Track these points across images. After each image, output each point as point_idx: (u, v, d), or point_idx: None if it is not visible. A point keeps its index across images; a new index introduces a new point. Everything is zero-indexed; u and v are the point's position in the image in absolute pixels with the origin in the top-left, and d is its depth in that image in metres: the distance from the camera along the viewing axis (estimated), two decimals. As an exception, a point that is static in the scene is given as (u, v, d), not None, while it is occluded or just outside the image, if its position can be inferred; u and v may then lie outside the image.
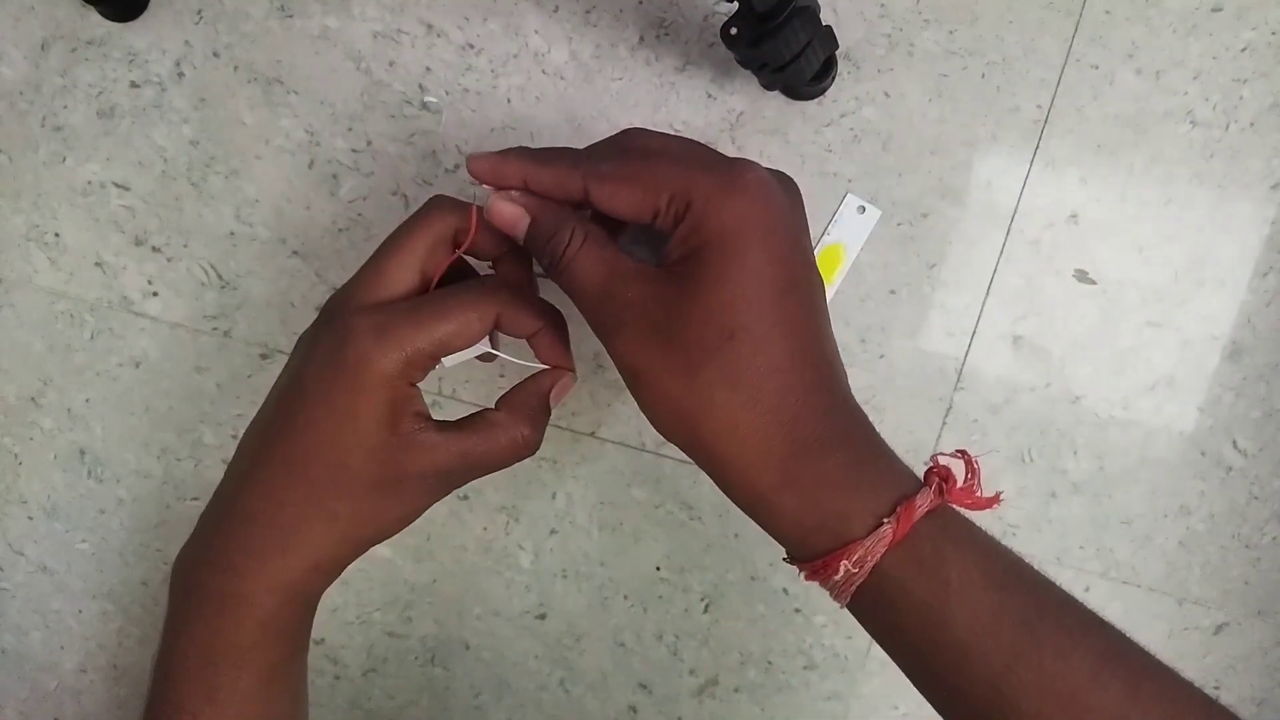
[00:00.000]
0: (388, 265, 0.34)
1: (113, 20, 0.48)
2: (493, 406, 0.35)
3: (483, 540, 0.50)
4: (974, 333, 0.47)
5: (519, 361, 0.36)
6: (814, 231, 0.47)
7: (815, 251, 0.46)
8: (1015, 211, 0.46)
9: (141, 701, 0.54)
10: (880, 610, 0.28)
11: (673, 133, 0.37)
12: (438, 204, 0.35)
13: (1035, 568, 0.30)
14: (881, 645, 0.30)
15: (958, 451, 0.30)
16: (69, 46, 0.48)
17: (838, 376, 0.30)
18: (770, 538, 0.30)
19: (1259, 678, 0.49)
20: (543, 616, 0.51)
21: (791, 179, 0.33)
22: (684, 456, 0.49)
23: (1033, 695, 0.26)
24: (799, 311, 0.29)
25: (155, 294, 0.50)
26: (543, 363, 0.36)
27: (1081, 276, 0.46)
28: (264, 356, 0.50)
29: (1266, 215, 0.45)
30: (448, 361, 0.34)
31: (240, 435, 0.50)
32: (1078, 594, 0.48)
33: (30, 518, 0.53)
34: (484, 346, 0.35)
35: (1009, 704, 0.27)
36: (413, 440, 0.32)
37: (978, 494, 0.29)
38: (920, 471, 0.30)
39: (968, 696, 0.27)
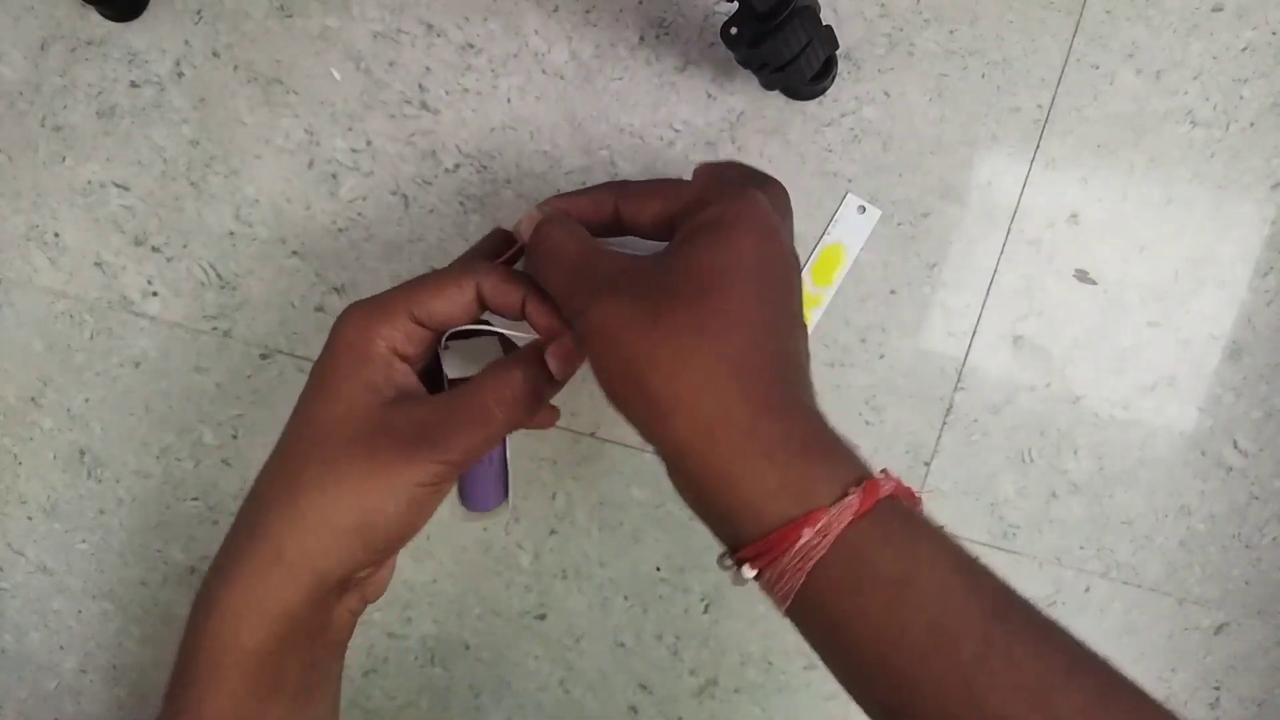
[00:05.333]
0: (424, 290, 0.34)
1: (112, 20, 0.48)
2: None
3: (483, 540, 0.50)
4: (974, 333, 0.47)
5: (513, 334, 0.34)
6: (814, 231, 0.47)
7: (815, 251, 0.47)
8: (1015, 211, 0.46)
9: (141, 701, 0.54)
10: (837, 597, 0.25)
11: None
12: (473, 270, 0.34)
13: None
14: (827, 649, 0.27)
15: (908, 486, 0.30)
16: (69, 46, 0.48)
17: (804, 369, 0.29)
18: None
19: (1259, 678, 0.49)
20: (543, 617, 0.51)
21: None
22: (684, 456, 0.49)
23: (1002, 689, 0.24)
24: (771, 287, 0.28)
25: (155, 294, 0.50)
26: (539, 331, 0.33)
27: (1082, 276, 0.46)
28: (264, 356, 0.50)
29: (1267, 215, 0.45)
30: (452, 371, 0.33)
31: (240, 435, 0.50)
32: (1078, 594, 0.48)
33: (30, 518, 0.53)
34: (492, 357, 0.34)
35: (976, 698, 0.24)
36: (392, 401, 0.31)
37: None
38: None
39: (930, 694, 0.25)
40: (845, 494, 0.25)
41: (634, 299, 0.27)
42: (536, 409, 0.32)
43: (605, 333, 0.28)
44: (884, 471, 0.27)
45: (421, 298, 0.32)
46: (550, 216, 0.32)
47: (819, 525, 0.24)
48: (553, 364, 0.32)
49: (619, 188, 0.33)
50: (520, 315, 0.33)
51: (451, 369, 0.35)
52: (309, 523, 0.29)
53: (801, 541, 0.25)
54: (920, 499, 0.28)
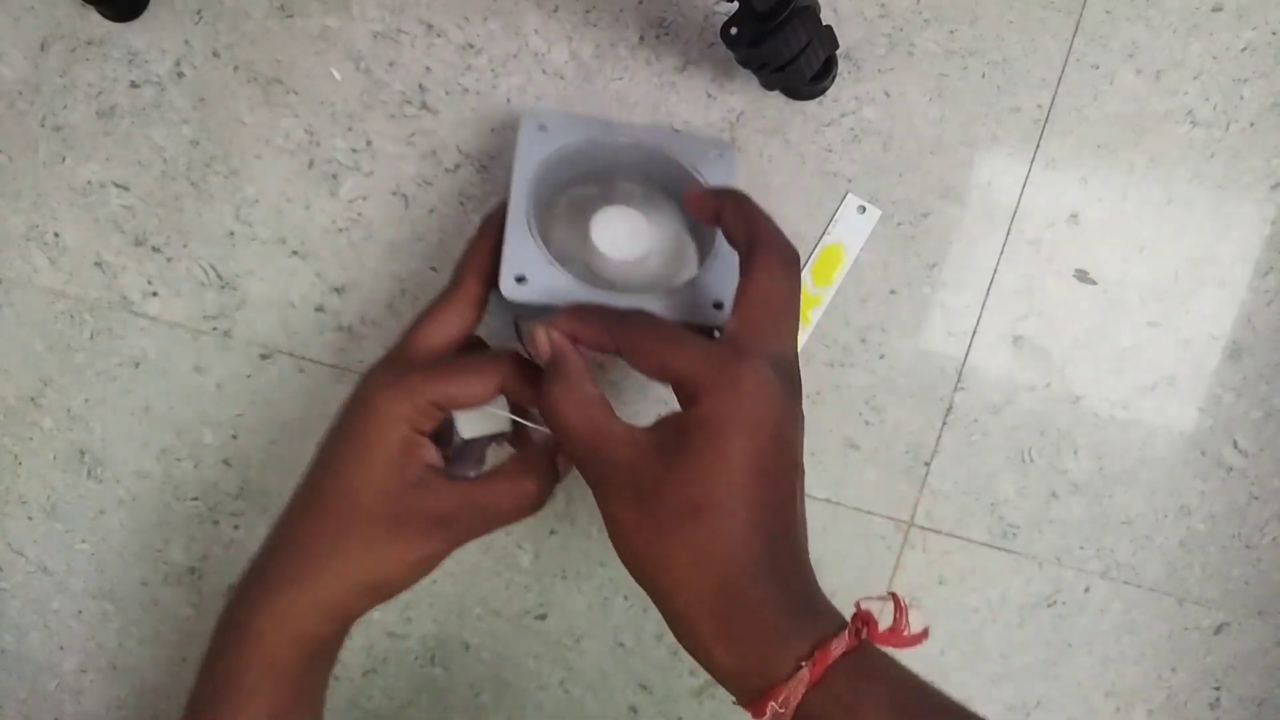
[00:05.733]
0: (428, 328, 0.39)
1: (112, 20, 0.48)
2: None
3: (483, 540, 0.50)
4: (974, 332, 0.47)
5: (534, 426, 0.39)
6: (814, 231, 0.47)
7: (815, 251, 0.47)
8: (1015, 211, 0.46)
9: (141, 701, 0.54)
10: None
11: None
12: (448, 299, 0.40)
13: (949, 697, 0.31)
14: None
15: (889, 594, 0.33)
16: (69, 46, 0.48)
17: (791, 543, 0.33)
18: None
19: (1259, 678, 0.49)
20: (543, 617, 0.51)
21: (795, 368, 0.35)
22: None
23: None
24: (765, 494, 0.32)
25: (155, 294, 0.50)
26: None
27: (1082, 276, 0.46)
28: (264, 356, 0.50)
29: (1266, 215, 0.45)
30: (465, 432, 0.38)
31: (240, 435, 0.50)
32: (1078, 594, 0.48)
33: (30, 518, 0.53)
34: (502, 426, 0.39)
35: None
36: (419, 482, 0.36)
37: (905, 633, 0.31)
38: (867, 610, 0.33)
39: None
40: (799, 668, 0.29)
41: (639, 508, 0.32)
42: (544, 504, 0.38)
43: (614, 526, 0.33)
44: (857, 606, 0.31)
45: (447, 389, 0.36)
46: (559, 368, 0.35)
47: (780, 699, 0.29)
48: (563, 468, 0.38)
49: (620, 327, 0.35)
50: (536, 407, 0.37)
51: (465, 428, 0.38)
52: (347, 581, 0.35)
53: (768, 714, 0.30)
54: (905, 608, 0.32)
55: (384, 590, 0.36)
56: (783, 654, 0.30)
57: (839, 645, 0.29)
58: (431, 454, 0.37)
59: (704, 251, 0.43)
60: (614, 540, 0.33)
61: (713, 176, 0.42)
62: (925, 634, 0.32)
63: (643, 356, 0.34)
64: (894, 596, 0.32)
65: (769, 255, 0.35)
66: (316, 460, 0.38)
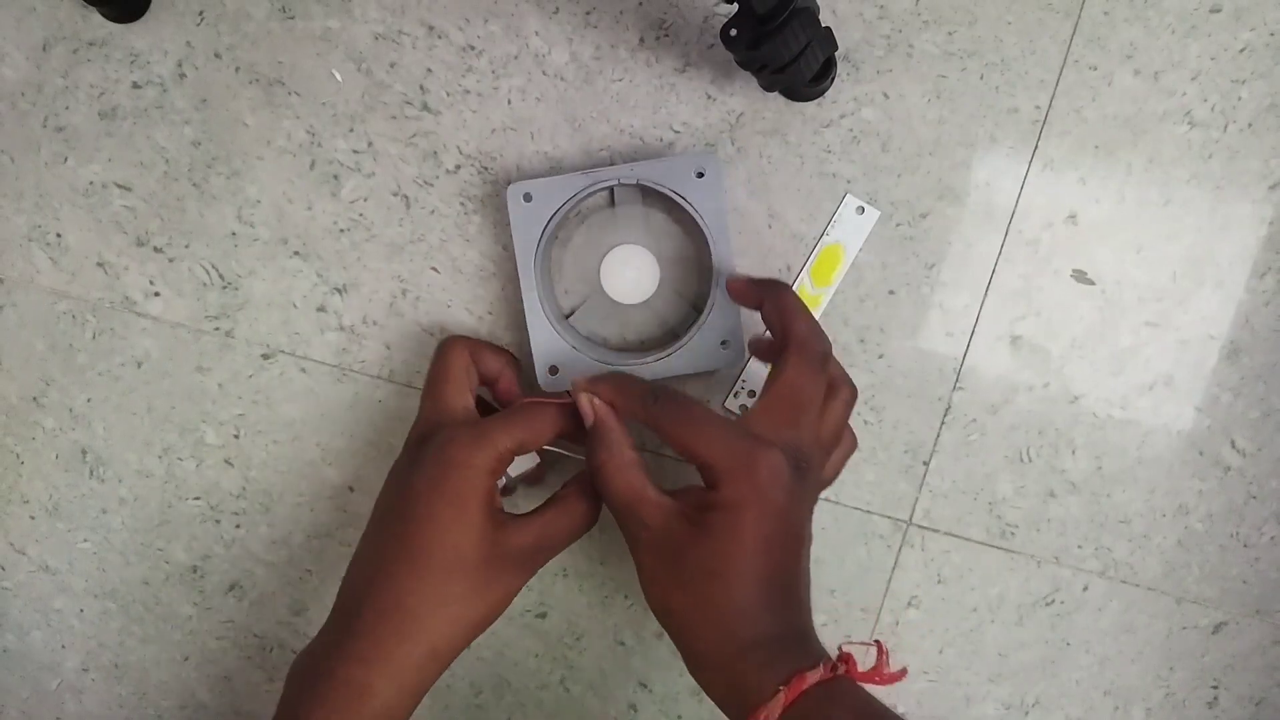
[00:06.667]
0: (446, 395, 0.42)
1: (114, 21, 0.48)
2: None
3: (483, 539, 0.50)
4: (973, 333, 0.47)
5: (575, 456, 0.43)
6: (813, 232, 0.47)
7: (814, 252, 0.47)
8: (1014, 212, 0.46)
9: (142, 700, 0.54)
10: None
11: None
12: (451, 342, 0.44)
13: None
14: None
15: (874, 640, 0.38)
16: (71, 47, 0.49)
17: (791, 599, 0.38)
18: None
19: (1257, 677, 0.49)
20: (543, 615, 0.51)
21: (809, 450, 0.39)
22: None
23: None
24: (771, 567, 0.37)
25: (157, 294, 0.50)
26: None
27: (1080, 277, 0.47)
28: (265, 356, 0.50)
29: (1264, 216, 0.46)
30: (513, 471, 0.42)
31: (242, 434, 0.50)
32: (1076, 593, 0.49)
33: (32, 517, 0.53)
34: (533, 462, 0.44)
35: None
36: (505, 523, 0.40)
37: (885, 671, 0.36)
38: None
39: None
40: (777, 691, 0.34)
41: (664, 563, 0.38)
42: (598, 519, 0.42)
43: (642, 571, 0.39)
44: (839, 649, 0.36)
45: (522, 435, 0.40)
46: (603, 436, 0.40)
47: (761, 717, 0.34)
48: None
49: (654, 404, 0.39)
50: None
51: (513, 468, 0.43)
52: (456, 625, 0.39)
53: None
54: (886, 652, 0.37)
55: (484, 626, 0.40)
56: (767, 682, 0.34)
57: (814, 675, 0.34)
58: (500, 498, 0.41)
59: (708, 248, 0.45)
60: (641, 581, 0.39)
61: (700, 201, 0.44)
62: (904, 673, 0.37)
63: (673, 437, 0.38)
64: (878, 644, 0.38)
65: (800, 355, 0.39)
66: (399, 514, 0.40)
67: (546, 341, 0.45)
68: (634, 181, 0.44)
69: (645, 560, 0.39)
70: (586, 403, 0.40)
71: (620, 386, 0.41)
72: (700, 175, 0.44)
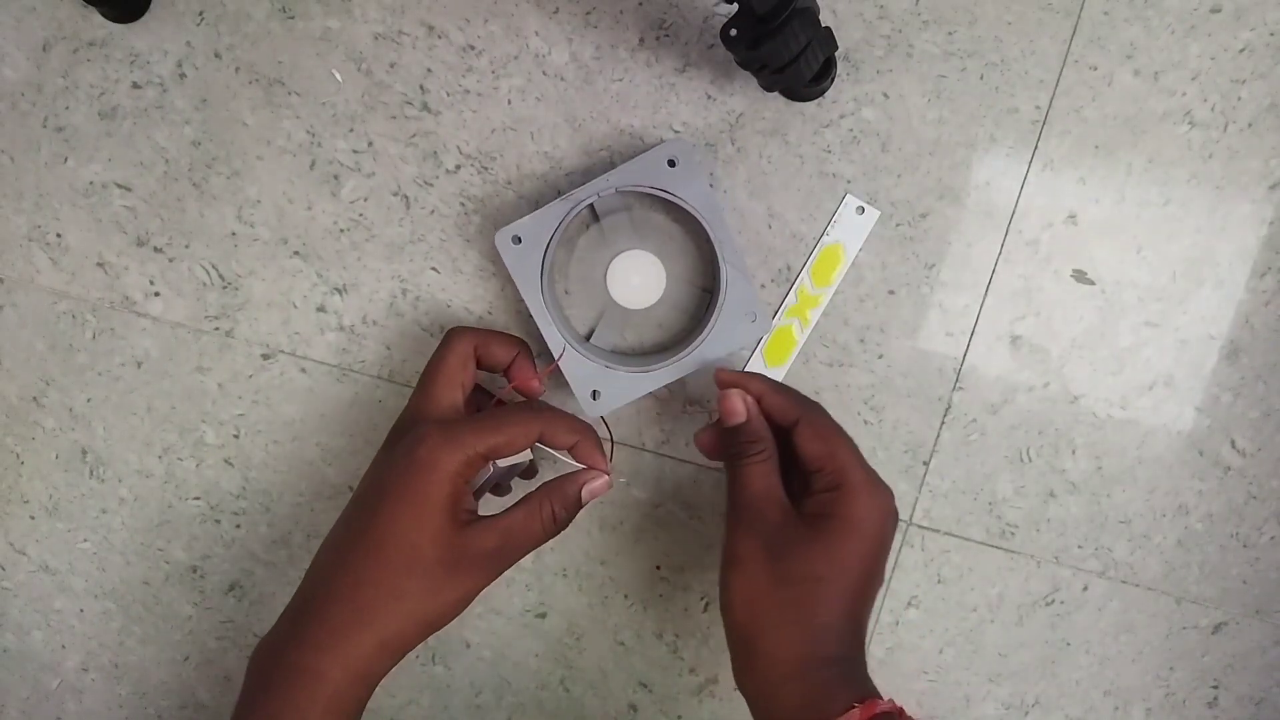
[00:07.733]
0: (433, 389, 0.42)
1: (114, 21, 0.48)
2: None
3: (483, 539, 0.50)
4: (972, 333, 0.47)
5: (564, 459, 0.42)
6: (813, 232, 0.47)
7: (815, 252, 0.47)
8: (1014, 212, 0.46)
9: (142, 700, 0.54)
10: None
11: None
12: (455, 334, 0.43)
13: None
14: None
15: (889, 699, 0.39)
16: (71, 47, 0.49)
17: (861, 630, 0.40)
18: None
19: (1257, 677, 0.49)
20: (543, 615, 0.51)
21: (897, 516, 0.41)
22: (684, 456, 0.49)
23: None
24: (863, 588, 0.39)
25: (157, 294, 0.50)
26: (584, 464, 0.42)
27: (1080, 277, 0.47)
28: (265, 356, 0.50)
29: (1264, 216, 0.46)
30: (501, 462, 0.41)
31: (241, 434, 0.50)
32: (1076, 593, 0.49)
33: (32, 517, 0.53)
34: (526, 458, 0.42)
35: None
36: (468, 525, 0.39)
37: None
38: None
39: None
40: (851, 707, 0.35)
41: (766, 556, 0.39)
42: (566, 526, 0.42)
43: (734, 564, 0.40)
44: (890, 700, 0.38)
45: (496, 440, 0.39)
46: (757, 442, 0.41)
47: None
48: (586, 498, 0.42)
49: (804, 409, 0.41)
50: (569, 453, 0.42)
51: (501, 459, 0.42)
52: (409, 620, 0.39)
53: None
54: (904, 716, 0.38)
55: (439, 624, 0.39)
56: (840, 695, 0.36)
57: (884, 705, 0.36)
58: (471, 500, 0.41)
59: (710, 245, 0.45)
60: (731, 579, 0.40)
61: (680, 188, 0.43)
62: None
63: (819, 441, 0.41)
64: (901, 710, 0.38)
65: (866, 500, 0.40)
66: (365, 506, 0.40)
67: (578, 368, 0.45)
68: (612, 190, 0.44)
69: (744, 550, 0.40)
70: (739, 400, 0.42)
71: (774, 387, 0.42)
72: (672, 164, 0.43)
